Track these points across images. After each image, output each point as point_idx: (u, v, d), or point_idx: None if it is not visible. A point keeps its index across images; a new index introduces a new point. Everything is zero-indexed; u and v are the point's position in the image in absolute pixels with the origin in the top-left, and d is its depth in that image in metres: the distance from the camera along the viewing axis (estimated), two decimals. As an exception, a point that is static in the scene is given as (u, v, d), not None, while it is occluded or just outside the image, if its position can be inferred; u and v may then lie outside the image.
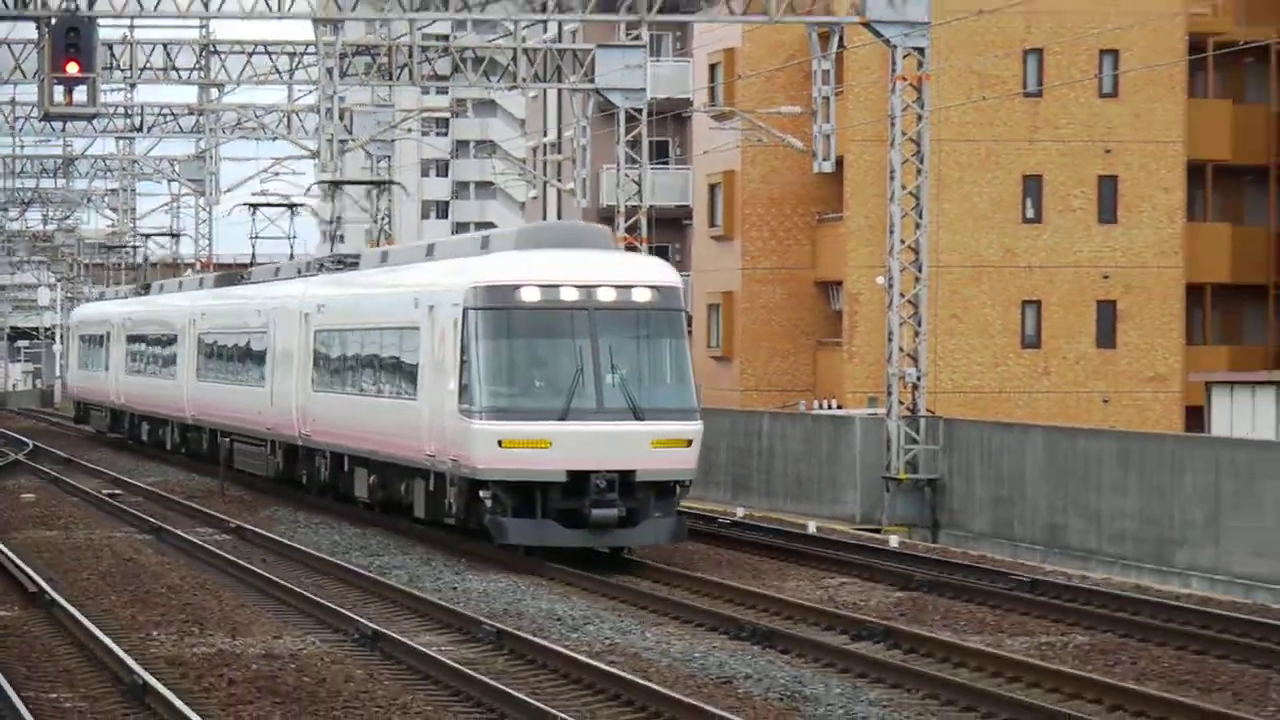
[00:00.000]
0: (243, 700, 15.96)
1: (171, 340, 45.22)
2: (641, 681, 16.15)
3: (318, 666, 18.95)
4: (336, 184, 53.86)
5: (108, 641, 19.33)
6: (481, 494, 22.91)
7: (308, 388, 32.10)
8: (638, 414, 22.52)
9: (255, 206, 57.51)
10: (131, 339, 51.60)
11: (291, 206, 58.20)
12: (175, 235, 74.04)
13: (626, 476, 22.36)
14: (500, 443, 22.25)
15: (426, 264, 28.27)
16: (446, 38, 50.07)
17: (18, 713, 14.54)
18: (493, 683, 16.23)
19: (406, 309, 26.50)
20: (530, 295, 22.80)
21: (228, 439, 39.65)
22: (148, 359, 49.24)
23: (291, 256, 53.12)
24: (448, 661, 17.97)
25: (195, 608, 24.58)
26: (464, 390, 22.91)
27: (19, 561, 28.58)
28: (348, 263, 35.01)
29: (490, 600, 24.44)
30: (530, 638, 20.07)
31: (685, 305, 25.06)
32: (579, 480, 22.08)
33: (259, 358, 35.32)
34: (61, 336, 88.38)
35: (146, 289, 58.10)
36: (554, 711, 14.20)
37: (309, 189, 68.24)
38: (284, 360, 33.72)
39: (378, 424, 28.22)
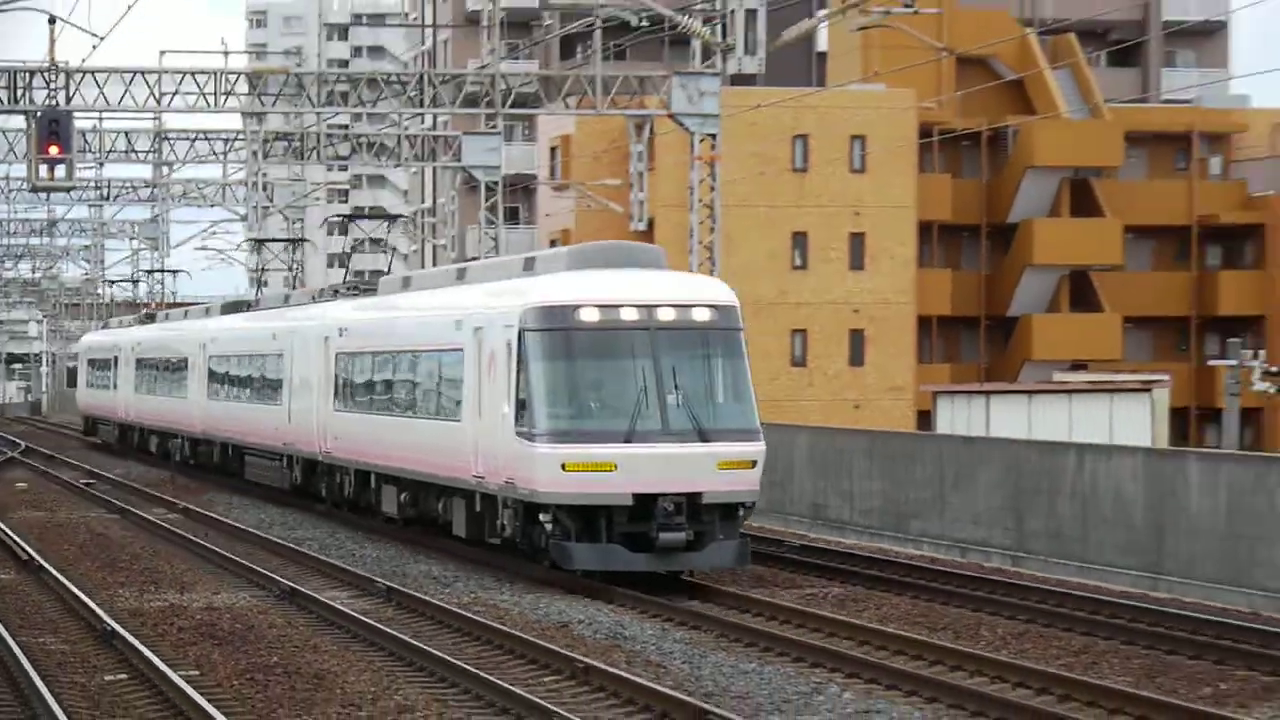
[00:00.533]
0: (189, 642, 16.35)
1: (182, 362, 42.17)
2: (497, 625, 16.21)
3: (248, 616, 18.94)
4: (261, 241, 53.42)
5: (83, 597, 19.42)
6: (541, 517, 18.28)
7: (329, 407, 27.89)
8: (703, 435, 18.19)
9: (260, 242, 56.52)
10: (141, 361, 47.40)
11: (294, 242, 57.48)
12: (135, 281, 73.87)
13: (693, 499, 17.98)
14: (563, 466, 17.82)
15: (463, 287, 23.64)
16: (347, 127, 54.17)
17: (13, 653, 14.68)
18: (383, 627, 16.49)
19: (446, 331, 21.86)
20: (590, 316, 18.26)
21: (233, 451, 36.56)
22: (157, 380, 45.21)
23: (296, 285, 52.58)
24: (349, 611, 18.07)
25: (152, 571, 24.12)
26: (522, 413, 18.23)
27: (14, 536, 28.02)
28: (363, 289, 30.62)
29: (382, 564, 24.04)
30: (412, 593, 19.85)
31: (742, 324, 19.52)
32: (645, 503, 17.68)
33: (275, 378, 31.67)
34: (49, 360, 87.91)
35: (151, 318, 56.00)
36: (430, 649, 14.51)
37: (240, 244, 67.96)
38: (303, 380, 29.77)
39: (414, 444, 23.46)
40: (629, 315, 18.02)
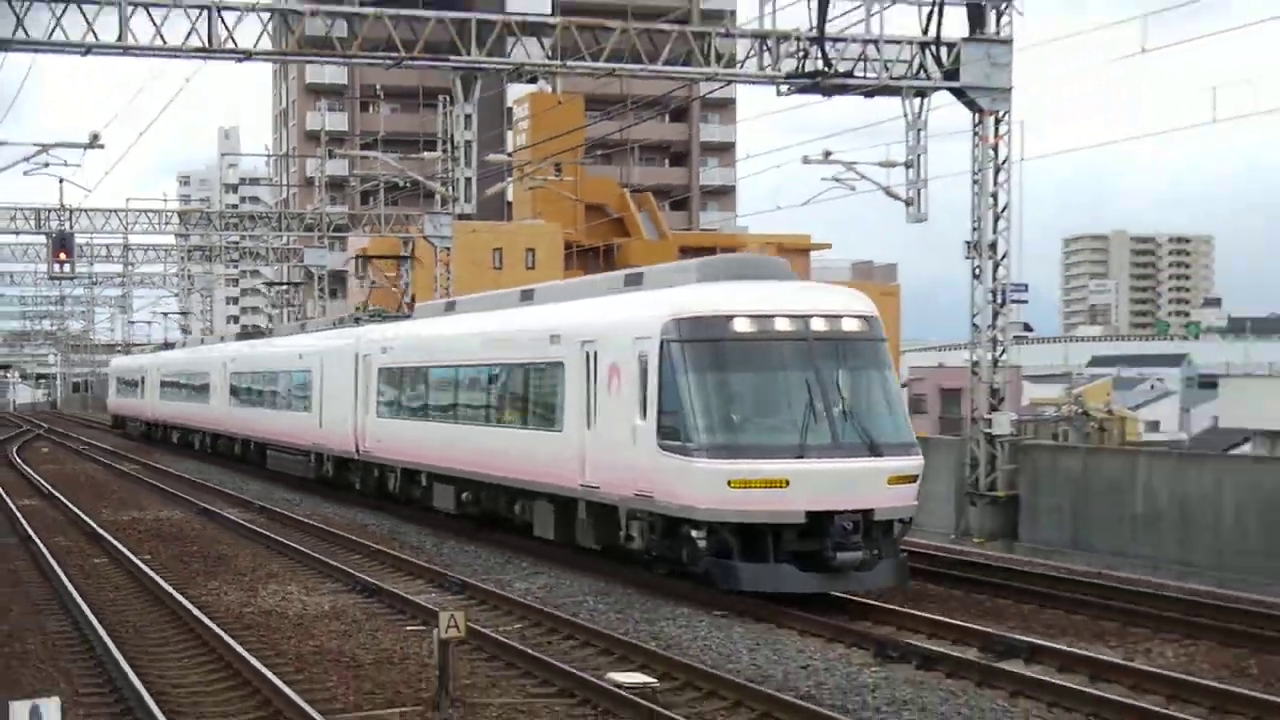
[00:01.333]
0: (144, 538, 23.18)
1: (205, 375, 45.92)
2: (327, 528, 23.40)
3: (179, 523, 25.97)
4: (272, 284, 73.10)
5: (81, 515, 26.41)
6: (694, 534, 15.56)
7: (370, 414, 26.76)
8: (874, 450, 16.04)
9: (271, 284, 73.43)
10: (165, 377, 51.98)
11: (296, 285, 68.45)
12: (113, 331, 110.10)
13: (866, 516, 15.59)
14: (729, 482, 15.34)
15: (540, 306, 21.33)
16: (237, 242, 62.85)
17: (39, 546, 21.07)
18: (263, 531, 23.48)
19: (538, 347, 19.62)
20: (744, 326, 16.18)
21: (254, 446, 38.35)
22: (181, 390, 48.85)
23: (283, 319, 65.83)
24: (243, 522, 25.06)
25: (122, 498, 31.96)
26: (671, 426, 15.72)
27: (39, 478, 37.04)
28: (387, 317, 31.67)
29: (265, 495, 30.82)
30: (277, 509, 26.95)
31: (885, 334, 17.36)
32: (816, 521, 15.27)
33: (304, 389, 31.50)
34: (61, 378, 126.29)
35: (169, 346, 69.50)
36: (281, 539, 21.84)
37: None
38: (335, 391, 28.93)
39: (486, 450, 21.28)
40: (783, 325, 16.05)
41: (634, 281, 18.92)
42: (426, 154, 45.86)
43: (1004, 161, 21.74)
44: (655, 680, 11.70)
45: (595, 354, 17.54)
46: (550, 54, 20.10)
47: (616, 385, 16.86)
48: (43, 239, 40.86)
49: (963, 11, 20.57)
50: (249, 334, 52.66)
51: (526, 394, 20.47)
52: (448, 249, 39.59)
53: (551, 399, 19.29)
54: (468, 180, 31.46)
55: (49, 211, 40.72)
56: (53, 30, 16.56)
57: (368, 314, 33.67)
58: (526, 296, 22.68)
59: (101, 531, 22.95)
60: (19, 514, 26.35)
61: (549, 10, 62.41)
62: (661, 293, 17.24)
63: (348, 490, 29.71)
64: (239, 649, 12.84)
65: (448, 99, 35.79)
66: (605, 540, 17.81)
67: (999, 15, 20.64)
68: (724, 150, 79.46)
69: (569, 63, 19.87)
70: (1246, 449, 49.33)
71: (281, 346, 37.56)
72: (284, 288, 66.55)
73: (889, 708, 10.67)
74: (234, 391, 40.95)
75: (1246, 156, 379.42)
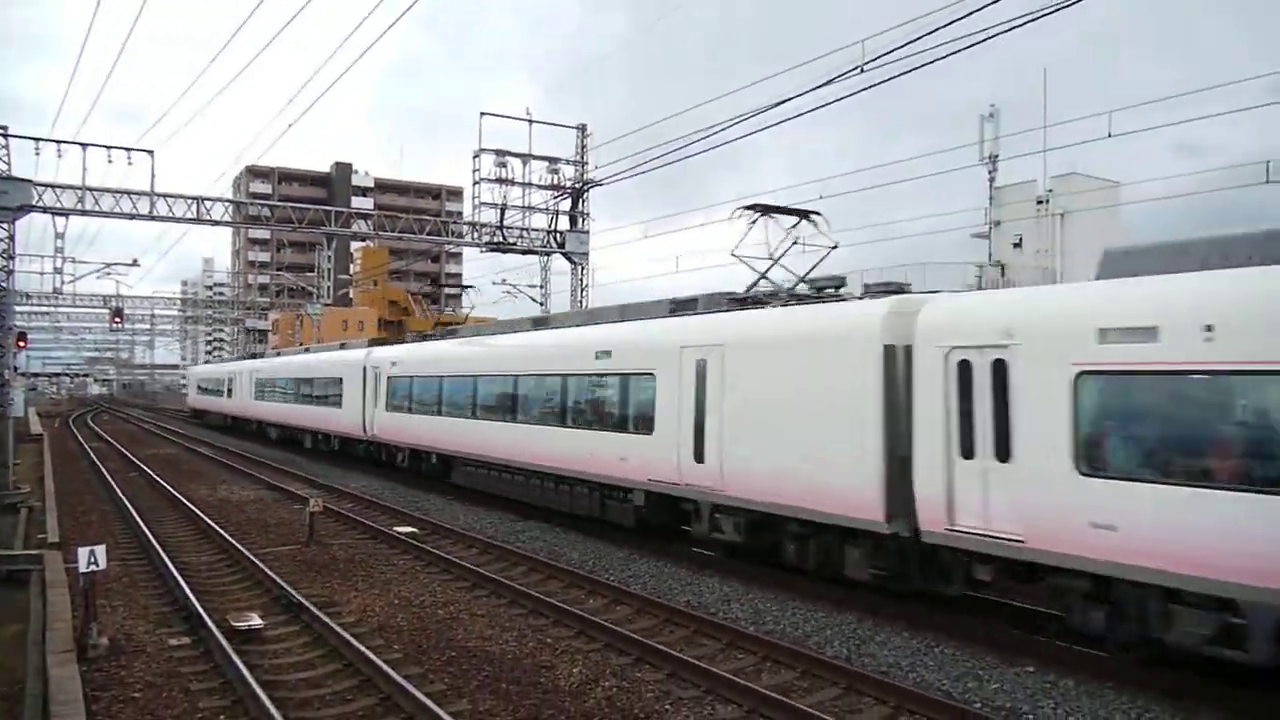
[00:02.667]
0: (157, 464, 28.47)
1: (227, 378, 47.53)
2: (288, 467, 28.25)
3: (177, 456, 32.46)
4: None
5: (124, 451, 32.98)
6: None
7: (381, 410, 26.17)
8: None
9: (239, 333, 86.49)
10: (261, 379, 43.37)
11: (248, 333, 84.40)
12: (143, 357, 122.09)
13: None
14: None
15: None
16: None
17: (99, 467, 26.51)
18: (220, 459, 29.06)
19: (648, 359, 14.83)
20: None
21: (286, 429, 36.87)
22: (271, 390, 41.99)
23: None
24: (211, 455, 30.85)
25: (148, 444, 38.18)
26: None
27: (102, 432, 44.58)
28: (390, 341, 29.84)
29: (245, 448, 37.01)
30: (243, 452, 32.12)
31: None
32: None
33: (335, 389, 30.19)
34: (116, 382, 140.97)
35: (255, 356, 59.31)
36: (229, 464, 26.88)
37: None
38: (355, 394, 28.24)
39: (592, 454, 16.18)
40: None
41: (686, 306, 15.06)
42: (307, 273, 68.77)
43: (586, 287, 31.95)
44: (418, 530, 16.90)
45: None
46: (371, 227, 31.50)
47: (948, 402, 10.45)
48: (106, 310, 59.16)
49: (566, 219, 31.16)
50: (255, 355, 53.52)
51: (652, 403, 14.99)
52: (318, 320, 55.90)
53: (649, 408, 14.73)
54: (328, 287, 45.19)
55: (110, 297, 59.60)
56: (116, 205, 25.14)
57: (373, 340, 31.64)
58: (540, 323, 20.33)
59: (135, 459, 30.17)
60: (90, 451, 32.87)
61: (372, 184, 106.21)
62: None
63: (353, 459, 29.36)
64: (204, 517, 17.65)
65: (321, 246, 53.28)
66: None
67: (583, 220, 31.23)
68: (456, 277, 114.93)
69: (380, 233, 30.75)
70: None
71: (298, 361, 36.19)
72: (237, 337, 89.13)
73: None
74: (263, 391, 40.26)
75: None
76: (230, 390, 45.23)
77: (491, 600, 11.84)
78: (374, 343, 29.71)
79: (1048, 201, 39.62)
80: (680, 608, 11.12)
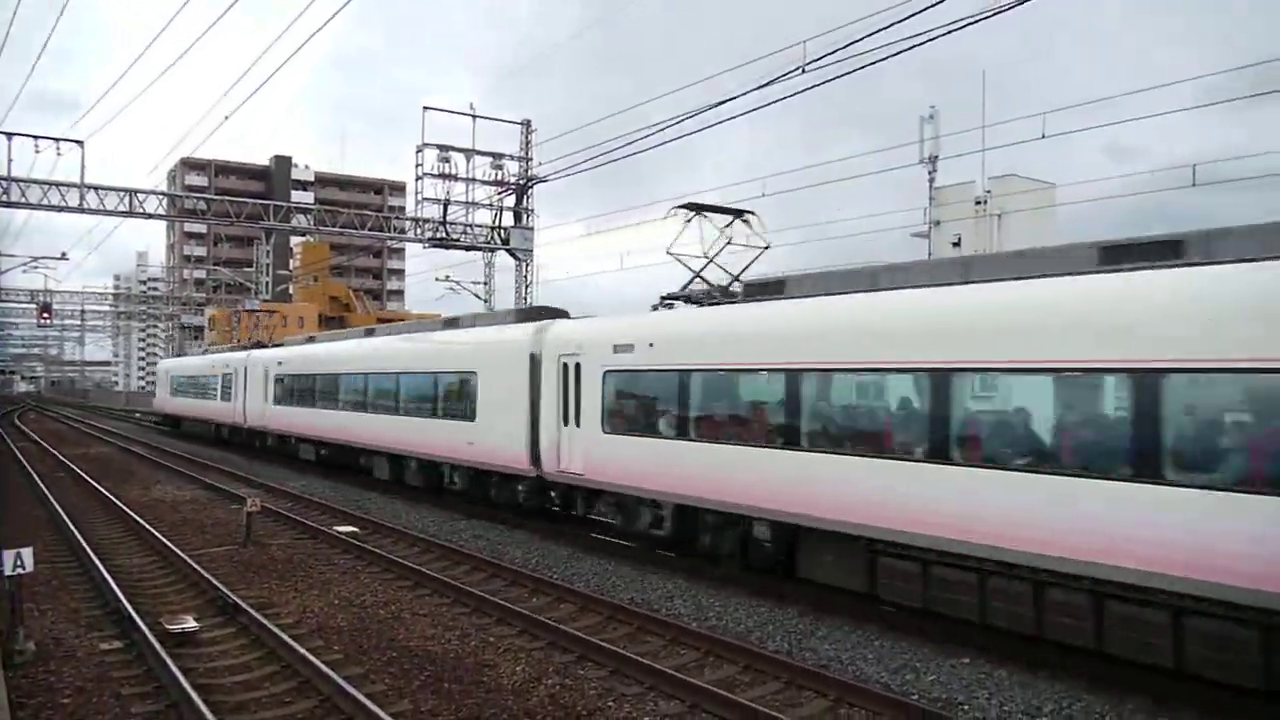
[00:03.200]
0: (87, 463, 28.09)
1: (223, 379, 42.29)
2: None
3: (109, 455, 32.04)
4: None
5: (53, 451, 32.81)
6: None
7: (270, 404, 28.00)
8: None
9: (175, 330, 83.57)
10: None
11: (184, 329, 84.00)
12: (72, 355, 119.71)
13: None
14: None
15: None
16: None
17: (29, 468, 25.58)
18: (152, 458, 28.17)
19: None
20: None
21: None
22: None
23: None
24: (142, 454, 30.28)
25: (79, 444, 38.12)
26: None
27: (29, 431, 44.31)
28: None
29: (168, 444, 35.96)
30: (164, 448, 31.69)
31: None
32: None
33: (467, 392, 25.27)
34: (45, 380, 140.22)
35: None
36: (163, 463, 25.90)
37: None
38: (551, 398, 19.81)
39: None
40: None
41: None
42: (245, 269, 69.06)
43: (530, 283, 32.35)
44: (359, 529, 16.84)
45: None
46: (312, 222, 31.05)
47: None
48: (34, 306, 60.31)
49: (511, 215, 31.62)
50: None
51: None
52: (257, 317, 52.76)
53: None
54: (267, 283, 44.94)
55: (38, 292, 60.68)
56: (44, 196, 24.42)
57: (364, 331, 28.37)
58: (450, 323, 20.81)
59: (65, 460, 29.36)
60: (17, 451, 32.17)
61: (312, 178, 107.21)
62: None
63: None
64: (137, 518, 17.24)
65: (260, 241, 51.08)
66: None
67: (528, 216, 31.63)
68: (399, 273, 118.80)
69: (321, 228, 30.38)
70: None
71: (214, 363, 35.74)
72: (171, 334, 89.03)
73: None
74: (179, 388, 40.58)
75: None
76: (228, 391, 34.07)
77: (434, 599, 11.74)
78: (528, 316, 18.34)
79: (986, 202, 40.41)
80: (624, 604, 11.17)
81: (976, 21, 11.27)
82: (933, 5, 11.08)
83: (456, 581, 12.50)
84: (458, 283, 30.19)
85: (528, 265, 30.45)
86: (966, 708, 8.17)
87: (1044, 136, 18.51)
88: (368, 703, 7.78)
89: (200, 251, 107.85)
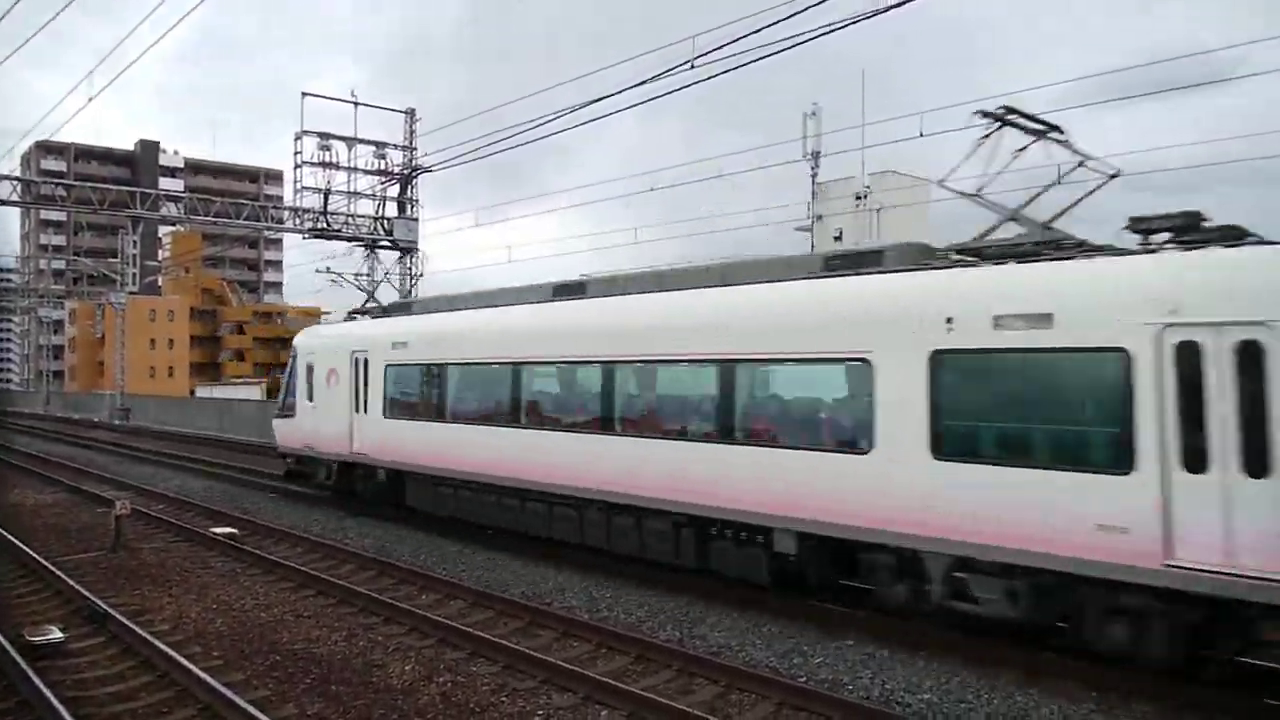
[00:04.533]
0: (56, 466, 26.18)
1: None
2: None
3: (76, 453, 28.52)
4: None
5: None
6: None
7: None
8: None
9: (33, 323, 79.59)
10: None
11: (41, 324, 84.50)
12: None
13: None
14: None
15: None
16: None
17: None
18: (12, 461, 28.55)
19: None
20: None
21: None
22: None
23: None
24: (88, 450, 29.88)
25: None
26: None
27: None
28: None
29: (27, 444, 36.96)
30: (30, 451, 34.08)
31: None
32: None
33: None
34: None
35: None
36: (24, 466, 25.37)
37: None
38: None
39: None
40: None
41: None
42: (110, 259, 64.67)
43: (417, 277, 32.62)
44: (238, 530, 16.32)
45: None
46: (182, 210, 30.38)
47: None
48: None
49: (394, 206, 31.56)
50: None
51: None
52: (123, 309, 53.96)
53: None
54: (134, 274, 43.12)
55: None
56: None
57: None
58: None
59: (39, 457, 28.45)
60: None
61: (182, 164, 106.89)
62: None
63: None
64: None
65: (125, 230, 48.11)
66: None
67: (412, 207, 31.61)
68: (276, 264, 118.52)
69: (192, 217, 29.79)
70: None
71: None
72: (27, 329, 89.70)
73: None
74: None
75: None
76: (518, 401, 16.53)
77: (319, 600, 11.51)
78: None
79: (865, 197, 41.72)
80: (515, 599, 11.13)
81: (855, 22, 11.57)
82: (815, 4, 11.33)
83: (342, 581, 12.24)
84: (339, 275, 29.50)
85: (412, 257, 29.87)
86: (851, 688, 8.42)
87: (921, 135, 19.11)
88: (249, 708, 7.56)
89: (59, 240, 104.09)
